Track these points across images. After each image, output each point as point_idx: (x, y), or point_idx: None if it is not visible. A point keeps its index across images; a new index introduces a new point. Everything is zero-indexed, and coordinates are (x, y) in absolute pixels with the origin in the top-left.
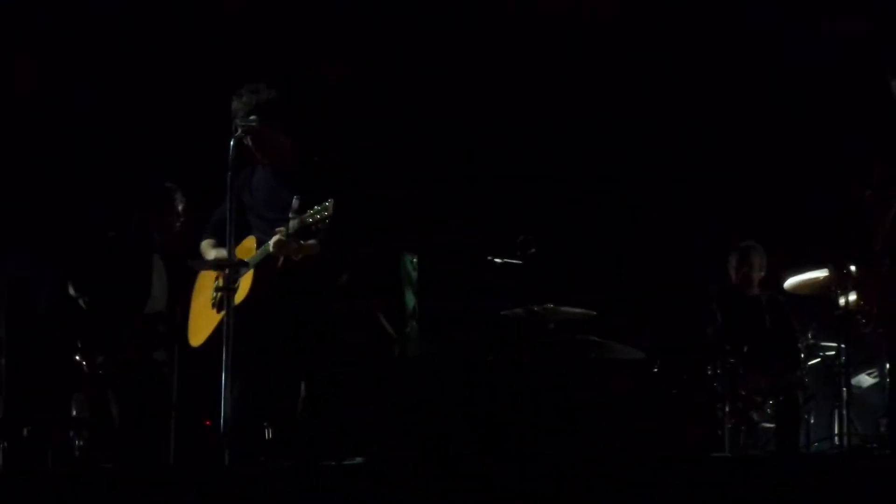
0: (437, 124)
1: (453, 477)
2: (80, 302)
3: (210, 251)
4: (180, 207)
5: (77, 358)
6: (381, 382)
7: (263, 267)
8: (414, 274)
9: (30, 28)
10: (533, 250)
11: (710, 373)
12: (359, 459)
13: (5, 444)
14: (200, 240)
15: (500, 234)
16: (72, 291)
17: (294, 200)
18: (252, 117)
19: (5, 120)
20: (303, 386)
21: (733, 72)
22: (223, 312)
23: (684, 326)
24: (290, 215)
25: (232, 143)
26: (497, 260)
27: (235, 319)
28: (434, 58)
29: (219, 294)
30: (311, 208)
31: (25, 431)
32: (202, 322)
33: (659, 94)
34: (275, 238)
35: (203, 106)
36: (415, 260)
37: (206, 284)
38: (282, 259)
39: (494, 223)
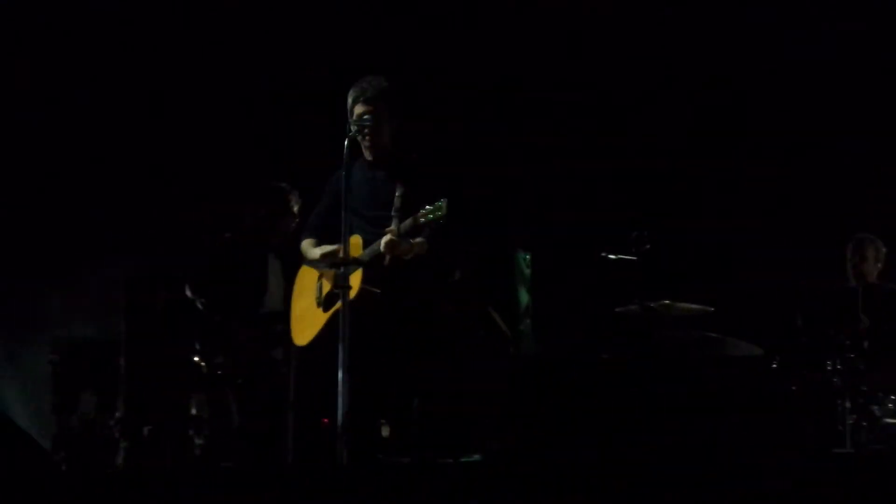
0: (550, 119)
1: (568, 475)
2: (197, 303)
3: (312, 251)
4: (295, 208)
5: (196, 359)
6: (496, 380)
7: (372, 267)
8: (527, 271)
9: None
10: (648, 246)
11: (829, 368)
12: (476, 457)
13: (126, 443)
14: (300, 239)
15: (615, 230)
16: (189, 293)
17: (396, 199)
18: (366, 117)
19: (125, 122)
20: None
21: (859, 62)
22: (330, 311)
23: (803, 321)
24: (393, 213)
25: (346, 142)
26: (611, 256)
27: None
28: (546, 51)
29: (325, 293)
30: (413, 211)
31: (146, 431)
32: (308, 322)
33: (775, 87)
34: (385, 238)
35: (310, 105)
36: (528, 257)
37: (308, 285)
38: (389, 257)
39: (608, 219)
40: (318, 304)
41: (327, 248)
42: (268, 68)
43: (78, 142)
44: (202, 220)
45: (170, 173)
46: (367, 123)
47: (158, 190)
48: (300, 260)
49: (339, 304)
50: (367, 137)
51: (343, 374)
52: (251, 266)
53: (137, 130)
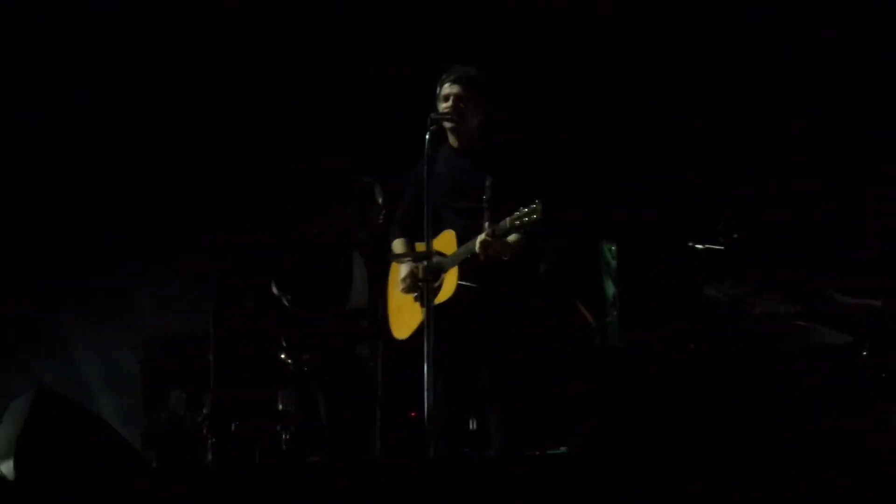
0: (634, 109)
1: (654, 467)
2: (284, 300)
3: (401, 249)
4: (380, 200)
5: (283, 356)
6: (584, 372)
7: (468, 265)
8: (613, 262)
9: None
10: (735, 235)
11: None
12: (563, 449)
13: (214, 439)
14: (390, 237)
15: (702, 220)
16: (275, 290)
17: (486, 189)
18: (447, 106)
19: (214, 117)
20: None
21: None
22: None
23: (892, 308)
24: (485, 204)
25: (428, 134)
26: (699, 246)
27: (443, 316)
28: (633, 43)
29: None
30: (504, 200)
31: (234, 427)
32: (407, 316)
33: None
34: (480, 238)
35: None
36: (614, 248)
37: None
38: (485, 257)
39: (695, 208)
40: (417, 299)
41: (418, 244)
42: (354, 60)
43: (168, 137)
44: (289, 215)
45: (258, 168)
46: (447, 116)
47: (246, 185)
48: (387, 257)
49: (439, 298)
50: (452, 122)
51: (428, 367)
52: (337, 262)
53: (227, 125)
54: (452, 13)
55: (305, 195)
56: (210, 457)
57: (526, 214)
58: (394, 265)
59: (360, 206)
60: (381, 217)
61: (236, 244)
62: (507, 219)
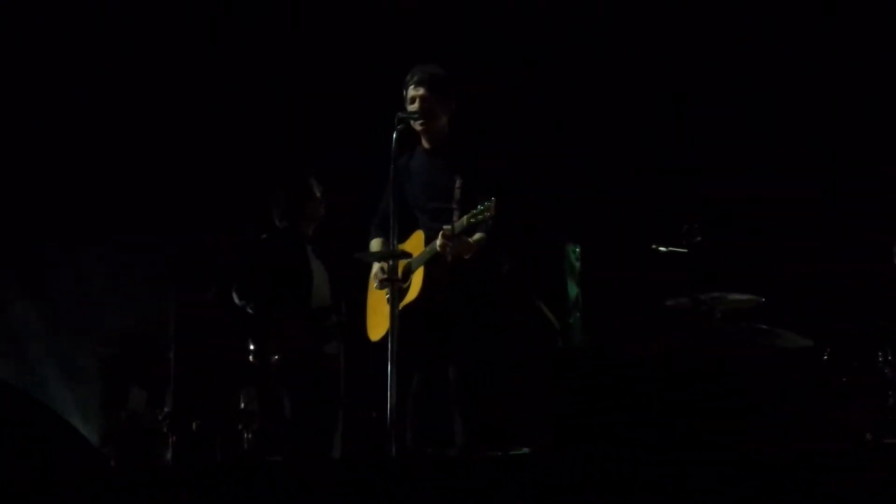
0: (599, 109)
1: (617, 468)
2: (247, 308)
3: (379, 247)
4: (318, 192)
5: (251, 359)
6: (546, 373)
7: (433, 265)
8: (577, 264)
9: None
10: (698, 238)
11: (880, 359)
12: (525, 450)
13: (174, 437)
14: (369, 236)
15: (665, 222)
16: (237, 300)
17: (456, 190)
18: (415, 114)
19: (170, 122)
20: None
21: None
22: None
23: (854, 312)
24: (454, 206)
25: (395, 134)
26: (662, 248)
27: (409, 316)
28: (596, 43)
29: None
30: (474, 201)
31: (195, 425)
32: (380, 317)
33: (827, 78)
34: (440, 239)
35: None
36: (577, 249)
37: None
38: (450, 256)
39: (658, 211)
40: (388, 301)
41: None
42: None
43: (128, 135)
44: (241, 223)
45: (218, 167)
46: (414, 116)
47: (202, 183)
48: (355, 255)
49: (406, 299)
50: (420, 123)
51: (391, 367)
52: (292, 262)
53: (185, 125)
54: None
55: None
56: (170, 455)
57: (480, 212)
58: (374, 268)
59: (296, 198)
60: (323, 209)
61: (195, 244)
62: (464, 217)
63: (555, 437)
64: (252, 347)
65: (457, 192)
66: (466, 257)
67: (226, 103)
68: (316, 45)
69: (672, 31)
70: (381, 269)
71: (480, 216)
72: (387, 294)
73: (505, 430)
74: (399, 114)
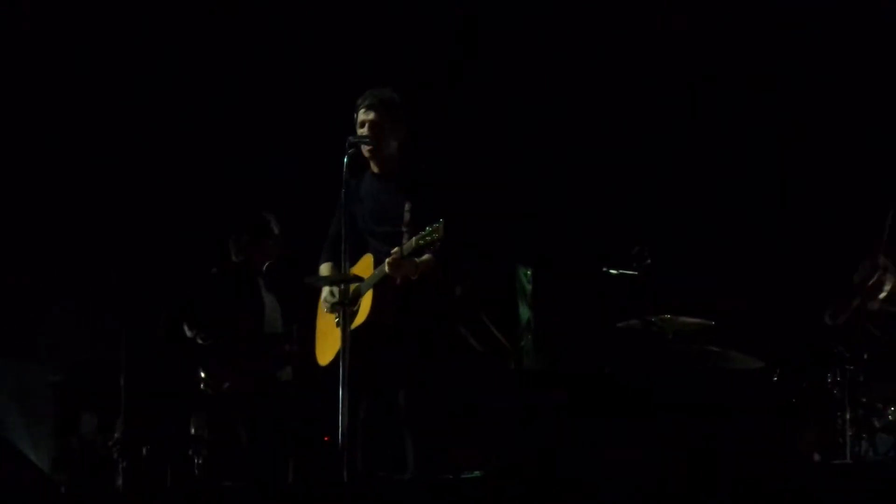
0: (550, 133)
1: (569, 490)
2: (197, 339)
3: (329, 271)
4: (277, 231)
5: (202, 387)
6: (497, 396)
7: (382, 288)
8: (528, 287)
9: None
10: (649, 261)
11: (829, 380)
12: (477, 473)
13: (126, 463)
14: (319, 261)
15: (615, 246)
16: (187, 332)
17: (405, 213)
18: (364, 132)
19: (125, 145)
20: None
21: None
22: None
23: (804, 334)
24: (403, 228)
25: (346, 159)
26: (612, 271)
27: (359, 339)
28: (547, 68)
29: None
30: (423, 224)
31: (145, 451)
32: (330, 342)
33: (776, 99)
34: (389, 259)
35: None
36: (529, 272)
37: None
38: (399, 278)
39: (609, 234)
40: (338, 325)
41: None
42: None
43: (82, 169)
44: (194, 254)
45: (173, 197)
46: (365, 140)
47: (159, 214)
48: (304, 280)
49: (355, 322)
50: (370, 148)
51: (343, 391)
52: (242, 294)
53: (138, 152)
54: (362, 36)
55: (208, 230)
56: (121, 481)
57: (429, 233)
58: (324, 292)
59: (254, 237)
60: (280, 246)
61: (147, 272)
62: (413, 238)
63: (511, 460)
64: (202, 376)
65: (406, 216)
66: (414, 278)
67: (180, 131)
68: (267, 71)
69: (617, 51)
70: (331, 292)
71: (429, 237)
72: (336, 318)
73: (457, 453)
74: (349, 138)
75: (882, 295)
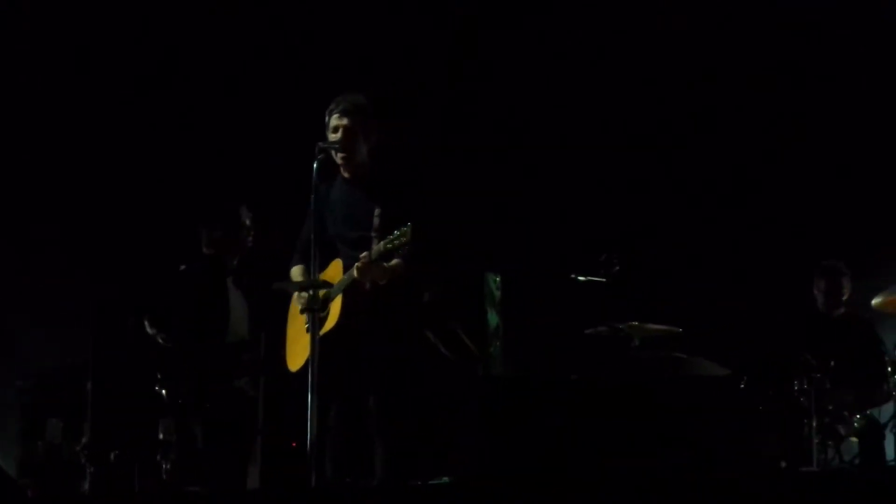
0: (522, 141)
1: (538, 496)
2: (158, 338)
3: (299, 277)
4: (248, 221)
5: (157, 388)
6: (465, 402)
7: (352, 292)
8: (497, 293)
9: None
10: (617, 268)
11: (796, 388)
12: (445, 479)
13: (93, 468)
14: (290, 265)
15: (584, 253)
16: (149, 330)
17: (375, 218)
18: (335, 139)
19: (89, 148)
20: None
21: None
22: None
23: (770, 342)
24: (373, 234)
25: (315, 164)
26: (581, 278)
27: (328, 345)
28: (521, 73)
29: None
30: (393, 230)
31: (112, 456)
32: (299, 347)
33: (749, 111)
34: (358, 263)
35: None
36: (498, 279)
37: (297, 310)
38: (369, 283)
39: (578, 241)
40: (308, 331)
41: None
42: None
43: (45, 170)
44: (160, 249)
45: (138, 200)
46: (336, 146)
47: (126, 217)
48: (274, 286)
49: (325, 328)
50: (342, 154)
51: (312, 396)
52: (209, 295)
53: (105, 155)
54: (334, 41)
55: (179, 225)
56: (88, 486)
57: (397, 237)
58: (294, 299)
59: (227, 230)
60: (251, 239)
61: (114, 275)
62: (382, 242)
63: (479, 466)
64: (159, 377)
65: (376, 221)
66: (382, 283)
67: (147, 131)
68: (239, 74)
69: (577, 59)
70: (299, 296)
71: (397, 241)
72: (305, 324)
73: (425, 459)
74: (320, 143)
75: None
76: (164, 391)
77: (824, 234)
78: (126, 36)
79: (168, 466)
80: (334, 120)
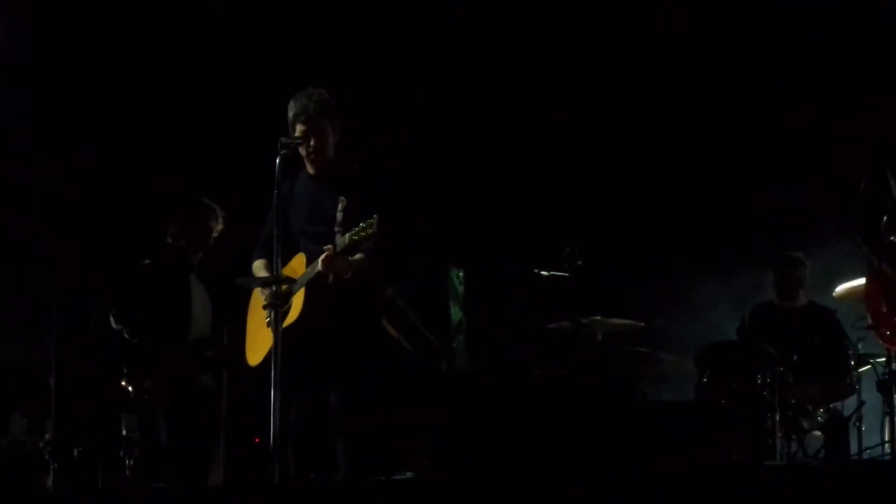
0: (483, 135)
1: (501, 491)
2: (124, 333)
3: (262, 271)
4: (218, 219)
5: (123, 383)
6: (428, 397)
7: (315, 286)
8: (460, 288)
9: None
10: (579, 262)
11: (759, 382)
12: (409, 474)
13: (57, 464)
14: (252, 259)
15: (547, 247)
16: (113, 324)
17: (338, 213)
18: (299, 139)
19: (55, 141)
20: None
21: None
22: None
23: (733, 336)
24: (336, 229)
25: (278, 160)
26: (544, 273)
27: (290, 339)
28: (482, 71)
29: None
30: (356, 225)
31: (76, 452)
32: (259, 341)
33: (709, 107)
34: (323, 256)
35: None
36: (461, 273)
37: (261, 303)
38: (332, 276)
39: (540, 236)
40: (269, 325)
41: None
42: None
43: (6, 162)
44: (125, 243)
45: (102, 193)
46: (299, 142)
47: (87, 211)
48: (237, 281)
49: (287, 321)
50: (310, 150)
51: (275, 392)
52: (173, 290)
53: (66, 149)
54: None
55: (144, 219)
56: (51, 482)
57: (363, 229)
58: (254, 294)
59: (191, 225)
60: (217, 232)
61: (77, 270)
62: (347, 234)
63: (443, 461)
64: (125, 371)
65: (339, 215)
66: (346, 276)
67: (111, 125)
68: (203, 68)
69: (542, 57)
70: (261, 291)
71: (363, 233)
72: (266, 318)
73: (388, 454)
74: (282, 139)
75: None
76: (129, 387)
77: (788, 226)
78: (88, 29)
79: (132, 462)
80: (299, 125)
